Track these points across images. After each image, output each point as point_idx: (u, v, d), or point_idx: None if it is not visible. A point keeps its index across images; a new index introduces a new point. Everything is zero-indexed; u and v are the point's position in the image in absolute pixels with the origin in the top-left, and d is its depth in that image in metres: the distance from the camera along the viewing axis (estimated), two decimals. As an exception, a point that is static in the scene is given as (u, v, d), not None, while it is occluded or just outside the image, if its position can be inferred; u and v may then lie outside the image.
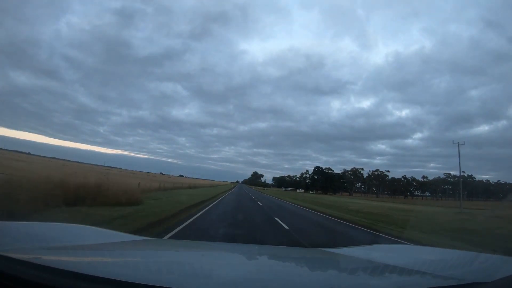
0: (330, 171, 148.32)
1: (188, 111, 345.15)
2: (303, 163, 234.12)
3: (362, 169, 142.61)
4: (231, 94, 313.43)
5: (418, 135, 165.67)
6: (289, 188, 78.31)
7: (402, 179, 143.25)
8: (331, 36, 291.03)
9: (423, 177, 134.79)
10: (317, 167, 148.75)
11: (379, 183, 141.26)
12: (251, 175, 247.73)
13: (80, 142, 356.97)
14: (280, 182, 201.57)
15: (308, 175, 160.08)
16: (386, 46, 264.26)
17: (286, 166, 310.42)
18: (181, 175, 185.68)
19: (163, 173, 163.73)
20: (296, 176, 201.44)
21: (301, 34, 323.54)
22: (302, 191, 74.24)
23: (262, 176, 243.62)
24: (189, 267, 1.51)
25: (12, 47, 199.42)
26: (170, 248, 2.11)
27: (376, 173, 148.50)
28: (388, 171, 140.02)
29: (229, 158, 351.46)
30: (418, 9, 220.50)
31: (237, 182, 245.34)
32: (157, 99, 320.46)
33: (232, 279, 1.31)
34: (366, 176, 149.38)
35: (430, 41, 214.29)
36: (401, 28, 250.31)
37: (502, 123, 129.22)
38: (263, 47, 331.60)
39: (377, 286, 1.32)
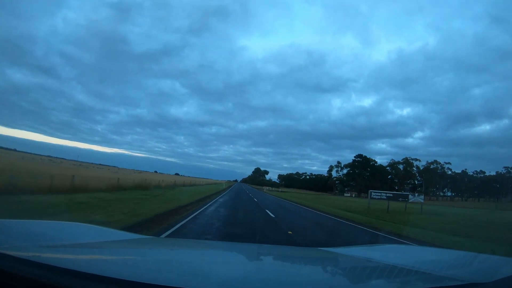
0: (373, 163, 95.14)
1: (186, 109, 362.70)
2: (302, 162, 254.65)
3: (419, 160, 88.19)
4: (230, 92, 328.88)
5: (419, 134, 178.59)
6: (385, 194, 25.06)
7: (456, 175, 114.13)
8: (333, 32, 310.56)
9: (479, 172, 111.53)
10: (359, 155, 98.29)
11: (440, 180, 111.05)
12: (253, 172, 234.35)
13: (78, 141, 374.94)
14: (289, 180, 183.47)
15: (338, 169, 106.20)
16: (389, 43, 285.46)
17: (285, 165, 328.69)
18: (176, 174, 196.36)
19: (157, 171, 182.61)
20: (305, 173, 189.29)
21: (302, 29, 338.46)
22: (423, 198, 18.57)
23: (266, 173, 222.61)
24: (188, 266, 1.62)
25: (8, 43, 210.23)
26: (169, 247, 2.30)
27: (431, 166, 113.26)
28: (448, 162, 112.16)
29: (228, 157, 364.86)
30: (423, 4, 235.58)
31: (236, 181, 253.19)
32: (155, 96, 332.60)
33: (231, 278, 1.40)
34: (420, 171, 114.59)
35: (434, 38, 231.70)
36: (405, 24, 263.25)
37: (504, 122, 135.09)
38: (263, 43, 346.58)
39: (377, 286, 1.40)
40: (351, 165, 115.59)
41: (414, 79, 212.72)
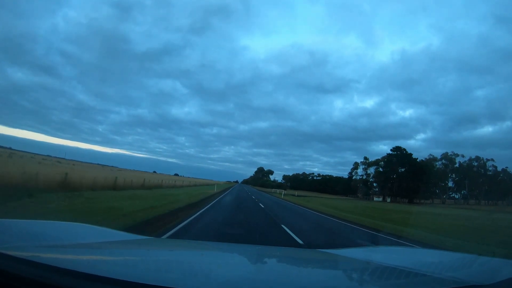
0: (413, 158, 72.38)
1: (187, 109, 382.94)
2: (303, 164, 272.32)
3: (463, 155, 61.69)
4: (231, 92, 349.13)
5: (421, 135, 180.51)
6: None
7: (501, 174, 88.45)
8: (335, 32, 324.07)
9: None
10: (397, 147, 73.12)
11: (485, 180, 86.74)
12: (255, 172, 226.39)
13: (79, 141, 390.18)
14: (295, 181, 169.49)
15: (365, 166, 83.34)
16: (392, 43, 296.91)
17: (286, 166, 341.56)
18: (176, 174, 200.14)
19: (156, 171, 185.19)
20: (313, 173, 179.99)
21: (305, 29, 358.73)
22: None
23: (271, 173, 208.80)
24: (188, 267, 1.70)
25: (8, 42, 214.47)
26: (169, 248, 2.40)
27: (473, 163, 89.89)
28: (491, 159, 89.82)
29: (229, 158, 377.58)
30: (427, 4, 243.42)
31: (236, 182, 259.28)
32: (156, 96, 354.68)
33: (231, 279, 1.48)
34: (457, 168, 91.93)
35: (437, 38, 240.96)
36: (409, 24, 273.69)
37: (507, 124, 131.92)
38: (265, 43, 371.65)
39: (376, 287, 1.52)
40: (386, 161, 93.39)
41: (417, 80, 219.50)
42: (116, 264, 1.48)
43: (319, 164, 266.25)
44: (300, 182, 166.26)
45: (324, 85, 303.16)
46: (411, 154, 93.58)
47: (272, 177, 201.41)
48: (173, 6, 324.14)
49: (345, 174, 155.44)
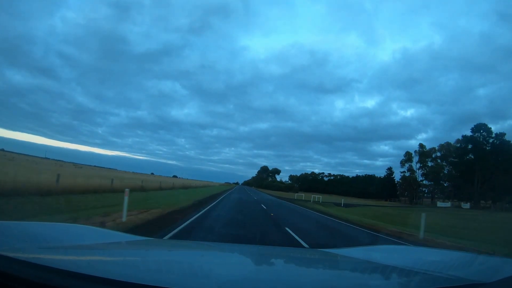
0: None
1: (187, 111, 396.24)
2: (304, 165, 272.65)
3: None
4: (231, 93, 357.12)
5: (422, 135, 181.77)
6: None
7: None
8: (336, 31, 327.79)
9: None
10: (480, 125, 39.10)
11: None
12: (258, 172, 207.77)
13: (79, 144, 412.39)
14: (304, 182, 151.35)
15: (421, 158, 52.65)
16: (394, 42, 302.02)
17: (287, 167, 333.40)
18: (174, 176, 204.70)
19: (153, 173, 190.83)
20: (323, 173, 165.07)
21: (305, 29, 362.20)
22: None
23: (277, 172, 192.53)
24: (188, 267, 1.79)
25: (7, 43, 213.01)
26: (169, 248, 2.51)
27: None
28: None
29: (229, 160, 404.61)
30: (429, 2, 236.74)
31: (237, 183, 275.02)
32: (156, 98, 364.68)
33: (232, 279, 1.54)
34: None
35: (439, 37, 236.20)
36: (410, 23, 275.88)
37: (509, 123, 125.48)
38: (265, 43, 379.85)
39: (377, 286, 1.56)
40: (458, 149, 65.37)
41: (418, 79, 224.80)
42: (117, 265, 1.52)
43: (320, 165, 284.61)
44: (310, 183, 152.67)
45: (325, 85, 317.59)
46: (503, 134, 62.16)
47: (278, 177, 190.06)
48: (172, 6, 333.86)
49: (344, 175, 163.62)
